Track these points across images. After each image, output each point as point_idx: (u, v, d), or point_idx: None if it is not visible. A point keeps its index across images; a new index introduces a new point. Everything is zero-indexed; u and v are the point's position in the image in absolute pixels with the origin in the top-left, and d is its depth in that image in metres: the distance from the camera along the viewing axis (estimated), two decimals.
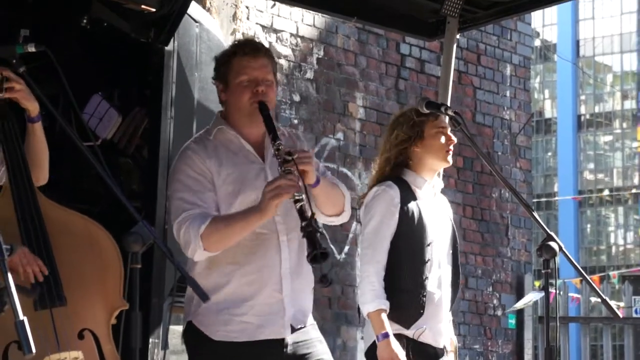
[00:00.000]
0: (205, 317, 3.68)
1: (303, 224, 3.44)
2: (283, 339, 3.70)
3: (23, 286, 3.30)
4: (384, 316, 4.16)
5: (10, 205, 3.63)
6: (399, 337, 4.20)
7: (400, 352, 4.13)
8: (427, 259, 4.25)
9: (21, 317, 2.69)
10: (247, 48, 3.79)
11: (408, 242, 4.23)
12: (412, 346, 4.23)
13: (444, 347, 4.35)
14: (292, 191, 3.49)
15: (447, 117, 4.42)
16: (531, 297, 9.85)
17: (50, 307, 3.53)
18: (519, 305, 10.04)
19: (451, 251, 4.44)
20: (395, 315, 4.21)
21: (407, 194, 4.31)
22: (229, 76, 3.76)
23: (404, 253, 4.24)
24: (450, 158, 4.40)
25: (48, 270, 3.55)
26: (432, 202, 4.42)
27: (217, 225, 3.60)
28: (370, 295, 4.19)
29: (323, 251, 3.38)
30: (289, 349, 3.70)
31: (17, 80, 3.63)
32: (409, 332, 4.24)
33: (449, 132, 4.39)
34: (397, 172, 4.38)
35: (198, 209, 3.63)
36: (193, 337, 3.71)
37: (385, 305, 4.18)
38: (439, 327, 4.31)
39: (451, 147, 4.38)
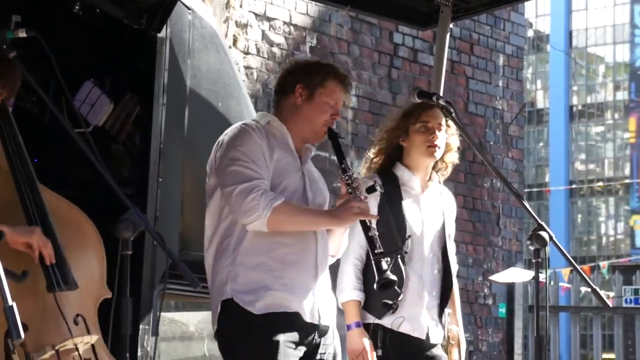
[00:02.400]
0: (249, 294, 3.79)
1: (376, 252, 3.80)
2: (317, 325, 3.89)
3: (12, 271, 3.29)
4: (357, 307, 4.26)
5: (12, 188, 3.62)
6: (375, 327, 4.25)
7: (367, 343, 4.21)
8: (404, 251, 4.25)
9: (10, 302, 2.68)
10: (345, 80, 4.04)
11: (387, 234, 4.20)
12: (390, 336, 4.26)
13: (429, 338, 4.34)
14: (372, 218, 3.87)
15: (439, 112, 4.42)
16: (514, 273, 9.80)
17: (66, 290, 3.53)
18: (502, 278, 9.99)
19: (439, 245, 4.45)
20: (369, 305, 4.28)
21: (391, 187, 4.33)
22: (317, 89, 3.96)
23: (382, 245, 4.23)
24: (436, 153, 4.40)
25: (60, 253, 3.55)
26: (421, 197, 4.43)
27: (290, 208, 3.80)
28: (346, 286, 4.28)
29: (389, 280, 3.78)
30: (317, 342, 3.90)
31: None
32: (387, 322, 4.26)
33: (433, 126, 4.38)
34: (389, 164, 4.44)
35: (267, 184, 3.80)
36: (236, 313, 3.79)
37: (359, 296, 4.27)
38: (418, 318, 4.31)
39: (435, 142, 4.37)
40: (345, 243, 4.09)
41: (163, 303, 4.34)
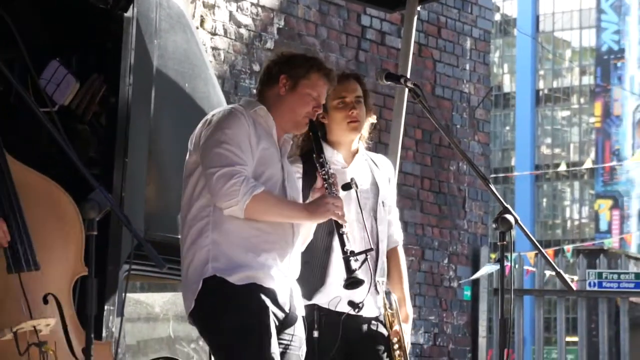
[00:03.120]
0: (231, 269, 3.81)
1: (346, 250, 3.87)
2: (288, 312, 3.92)
3: None
4: None
5: None
6: (311, 308, 4.21)
7: None
8: (328, 231, 4.21)
9: None
10: (330, 75, 4.05)
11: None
12: (325, 315, 4.23)
13: (364, 313, 4.29)
14: (343, 221, 3.90)
15: (356, 84, 4.38)
16: (487, 269, 9.88)
17: (27, 270, 3.50)
18: (475, 276, 10.06)
19: (372, 215, 4.38)
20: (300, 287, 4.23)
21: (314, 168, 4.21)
22: (301, 81, 3.98)
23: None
24: (358, 127, 4.35)
25: (22, 233, 3.52)
26: (347, 171, 4.33)
27: (269, 198, 3.82)
28: None
29: (357, 280, 3.85)
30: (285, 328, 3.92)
31: None
32: (323, 302, 4.24)
33: (351, 101, 4.35)
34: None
35: (249, 170, 3.81)
36: (218, 286, 3.80)
37: None
38: (353, 296, 4.23)
39: (354, 114, 4.33)
40: (310, 237, 4.09)
41: (128, 284, 4.32)
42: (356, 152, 4.43)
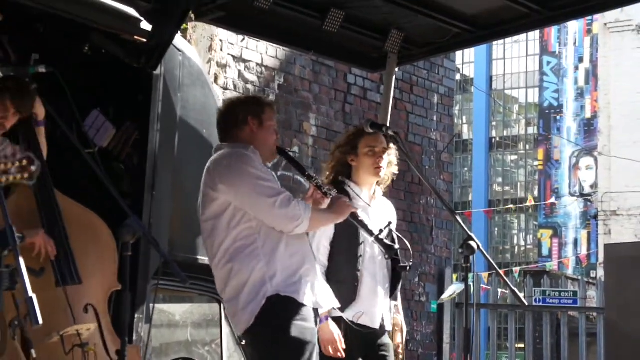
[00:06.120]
0: (291, 286, 3.77)
1: (375, 235, 3.97)
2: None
3: (32, 268, 3.27)
4: None
5: (32, 197, 3.61)
6: (338, 320, 4.23)
7: (337, 332, 4.19)
8: (359, 255, 4.26)
9: (30, 293, 2.66)
10: (272, 104, 4.12)
11: (344, 241, 4.24)
12: (349, 328, 4.25)
13: (383, 327, 4.36)
14: (356, 210, 3.99)
15: (383, 137, 4.44)
16: (454, 289, 9.79)
17: (71, 284, 3.51)
18: (445, 297, 9.99)
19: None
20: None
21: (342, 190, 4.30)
22: (262, 116, 3.99)
23: (341, 250, 4.26)
24: (381, 173, 4.41)
25: (67, 253, 3.53)
26: (369, 208, 4.40)
27: (315, 210, 3.85)
28: None
29: (396, 250, 4.03)
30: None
31: None
32: (348, 315, 4.25)
33: (379, 151, 4.40)
34: (339, 180, 4.42)
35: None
36: (283, 304, 3.74)
37: None
38: (374, 311, 4.31)
39: (380, 163, 4.38)
40: None
41: (155, 296, 4.31)
42: (375, 194, 4.46)
